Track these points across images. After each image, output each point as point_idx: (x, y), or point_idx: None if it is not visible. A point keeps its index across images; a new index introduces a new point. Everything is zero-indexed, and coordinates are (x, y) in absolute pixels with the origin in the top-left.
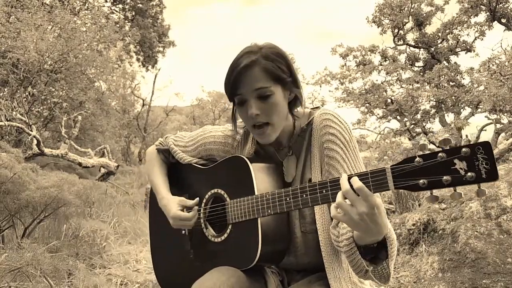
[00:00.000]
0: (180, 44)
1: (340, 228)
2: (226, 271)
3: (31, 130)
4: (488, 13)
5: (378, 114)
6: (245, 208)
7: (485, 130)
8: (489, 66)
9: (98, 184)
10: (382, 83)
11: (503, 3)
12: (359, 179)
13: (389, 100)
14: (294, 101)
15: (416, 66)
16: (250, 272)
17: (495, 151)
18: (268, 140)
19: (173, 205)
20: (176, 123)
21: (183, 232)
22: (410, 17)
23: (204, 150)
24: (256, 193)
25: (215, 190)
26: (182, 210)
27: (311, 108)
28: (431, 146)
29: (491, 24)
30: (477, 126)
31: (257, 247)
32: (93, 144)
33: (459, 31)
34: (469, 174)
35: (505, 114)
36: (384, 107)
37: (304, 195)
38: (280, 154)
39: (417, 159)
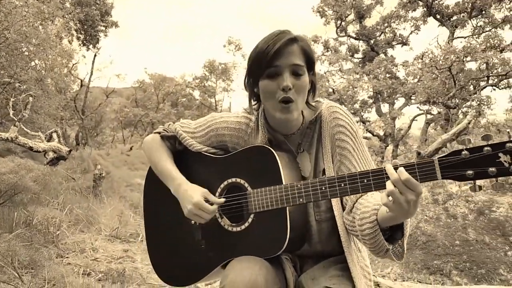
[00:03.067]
0: (123, 24)
1: (357, 214)
2: (254, 261)
3: None
4: (424, 8)
5: None
6: (272, 197)
7: (416, 120)
8: (423, 59)
9: (57, 170)
10: (324, 73)
11: (439, 0)
12: (406, 170)
13: (330, 90)
14: (310, 90)
15: (355, 58)
16: (270, 260)
17: (438, 141)
18: (291, 116)
19: (196, 193)
20: (117, 106)
21: (193, 221)
22: (352, 9)
23: (216, 135)
24: (284, 183)
25: (233, 180)
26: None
27: (314, 101)
28: (368, 135)
29: (426, 19)
30: (409, 117)
31: (285, 235)
32: (33, 126)
33: (397, 25)
34: None
35: (435, 105)
36: (326, 96)
37: (343, 184)
38: (290, 143)
39: (464, 152)
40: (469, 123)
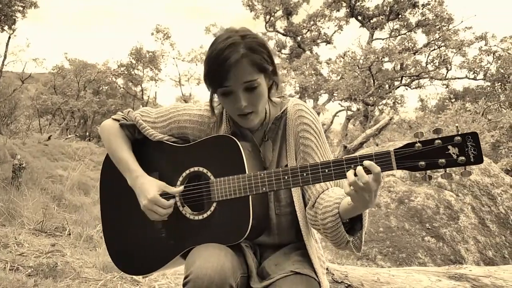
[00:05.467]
0: (43, 5)
1: (319, 208)
2: (219, 247)
3: None
4: (347, 9)
5: None
6: (235, 186)
7: (338, 116)
8: (344, 58)
9: None
10: None
11: (361, 2)
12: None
13: None
14: (271, 87)
15: (283, 53)
16: (231, 247)
17: (363, 136)
18: (251, 125)
19: (152, 186)
20: (33, 92)
21: None
22: (281, 5)
23: (177, 127)
24: (247, 172)
25: (195, 169)
26: (161, 196)
27: (279, 97)
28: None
29: (348, 20)
30: (332, 112)
31: (247, 223)
32: None
33: (322, 23)
34: (460, 158)
35: (355, 102)
36: None
37: (305, 174)
38: (255, 136)
39: (418, 144)
40: (391, 119)
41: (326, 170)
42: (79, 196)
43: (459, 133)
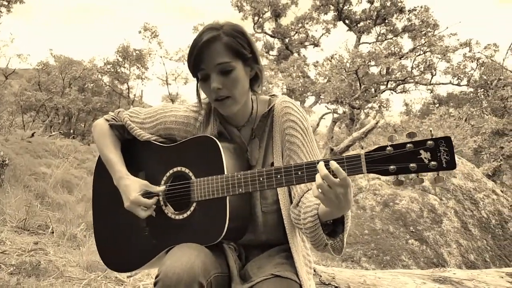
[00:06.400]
0: (28, 0)
1: (302, 208)
2: (194, 246)
3: None
4: (335, 13)
5: None
6: (213, 187)
7: (324, 119)
8: (331, 61)
9: None
10: None
11: (348, 6)
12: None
13: None
14: (255, 78)
15: (271, 55)
16: (211, 248)
17: (349, 139)
18: (229, 111)
19: (135, 187)
20: (17, 88)
21: None
22: (269, 6)
23: (164, 129)
24: (225, 173)
25: (178, 168)
26: (143, 195)
27: (269, 95)
28: None
29: (336, 23)
30: (318, 115)
31: (224, 224)
32: None
33: (309, 26)
34: (432, 163)
35: (341, 105)
36: None
37: (279, 176)
38: (242, 135)
39: (389, 148)
40: (377, 123)
41: (299, 173)
42: (63, 194)
43: (432, 137)
